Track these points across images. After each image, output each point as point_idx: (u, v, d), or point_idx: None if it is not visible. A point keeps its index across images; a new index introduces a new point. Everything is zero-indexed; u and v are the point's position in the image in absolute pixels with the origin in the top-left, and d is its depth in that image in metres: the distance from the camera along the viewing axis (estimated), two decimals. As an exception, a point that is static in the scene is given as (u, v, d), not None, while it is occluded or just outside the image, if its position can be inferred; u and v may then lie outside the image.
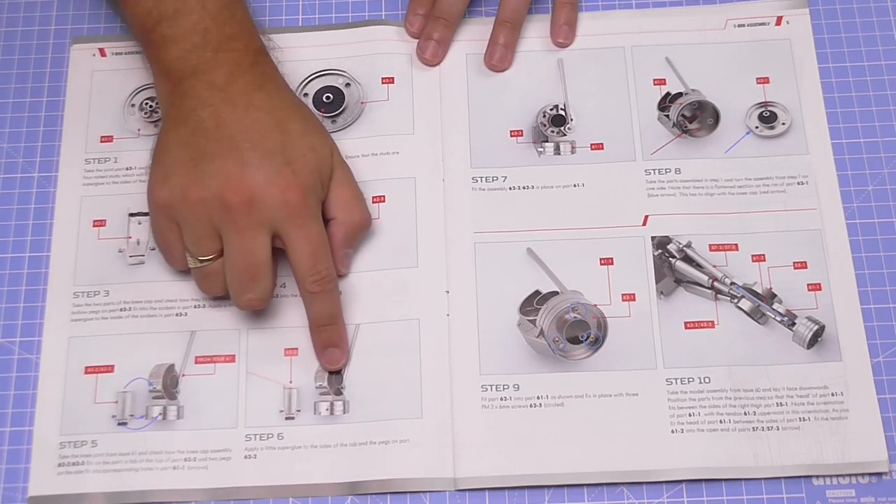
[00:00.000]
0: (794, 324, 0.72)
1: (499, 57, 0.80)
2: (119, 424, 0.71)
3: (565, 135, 0.79)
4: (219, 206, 0.68)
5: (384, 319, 0.74)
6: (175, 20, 0.71)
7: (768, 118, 0.78)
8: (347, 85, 0.80)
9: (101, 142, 0.79)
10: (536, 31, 0.82)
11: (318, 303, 0.71)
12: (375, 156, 0.78)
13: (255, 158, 0.68)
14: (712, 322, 0.73)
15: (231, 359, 0.73)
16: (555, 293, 0.74)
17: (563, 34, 0.81)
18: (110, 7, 0.83)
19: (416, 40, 0.81)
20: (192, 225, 0.69)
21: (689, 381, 0.71)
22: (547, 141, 0.78)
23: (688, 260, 0.75)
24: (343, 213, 0.72)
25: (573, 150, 0.78)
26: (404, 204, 0.77)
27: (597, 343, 0.73)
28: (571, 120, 0.79)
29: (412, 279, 0.74)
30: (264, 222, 0.68)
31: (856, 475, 0.69)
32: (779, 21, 0.82)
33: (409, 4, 0.82)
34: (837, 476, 0.69)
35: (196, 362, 0.73)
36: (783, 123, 0.78)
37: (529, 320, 0.73)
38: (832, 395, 0.71)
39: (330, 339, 0.72)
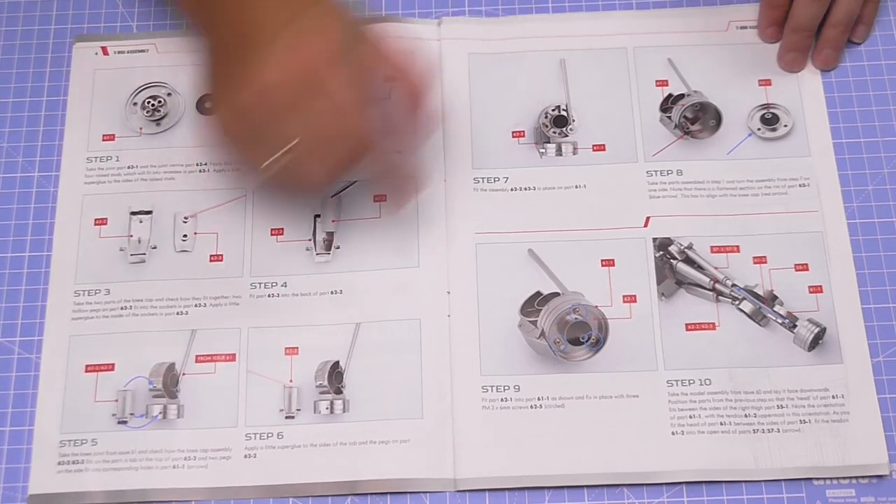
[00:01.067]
0: (795, 326, 0.72)
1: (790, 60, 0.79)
2: (119, 423, 0.71)
3: (567, 136, 0.78)
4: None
5: (385, 319, 0.74)
6: None
7: (770, 120, 0.78)
8: (349, 84, 0.80)
9: (103, 140, 0.79)
10: (538, 31, 0.81)
11: None
12: (376, 154, 0.78)
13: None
14: (713, 324, 0.73)
15: (231, 358, 0.73)
16: (556, 294, 0.74)
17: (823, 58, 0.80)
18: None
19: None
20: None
21: (689, 383, 0.71)
22: (549, 142, 0.78)
23: (689, 261, 0.74)
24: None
25: (575, 151, 0.78)
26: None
27: (598, 344, 0.73)
28: (573, 121, 0.79)
29: (413, 279, 0.74)
30: None
31: (856, 478, 0.69)
32: (780, 22, 0.81)
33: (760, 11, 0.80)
34: (838, 478, 0.69)
35: (196, 361, 0.73)
36: (785, 125, 0.78)
37: (530, 321, 0.73)
38: (833, 397, 0.71)
39: None
